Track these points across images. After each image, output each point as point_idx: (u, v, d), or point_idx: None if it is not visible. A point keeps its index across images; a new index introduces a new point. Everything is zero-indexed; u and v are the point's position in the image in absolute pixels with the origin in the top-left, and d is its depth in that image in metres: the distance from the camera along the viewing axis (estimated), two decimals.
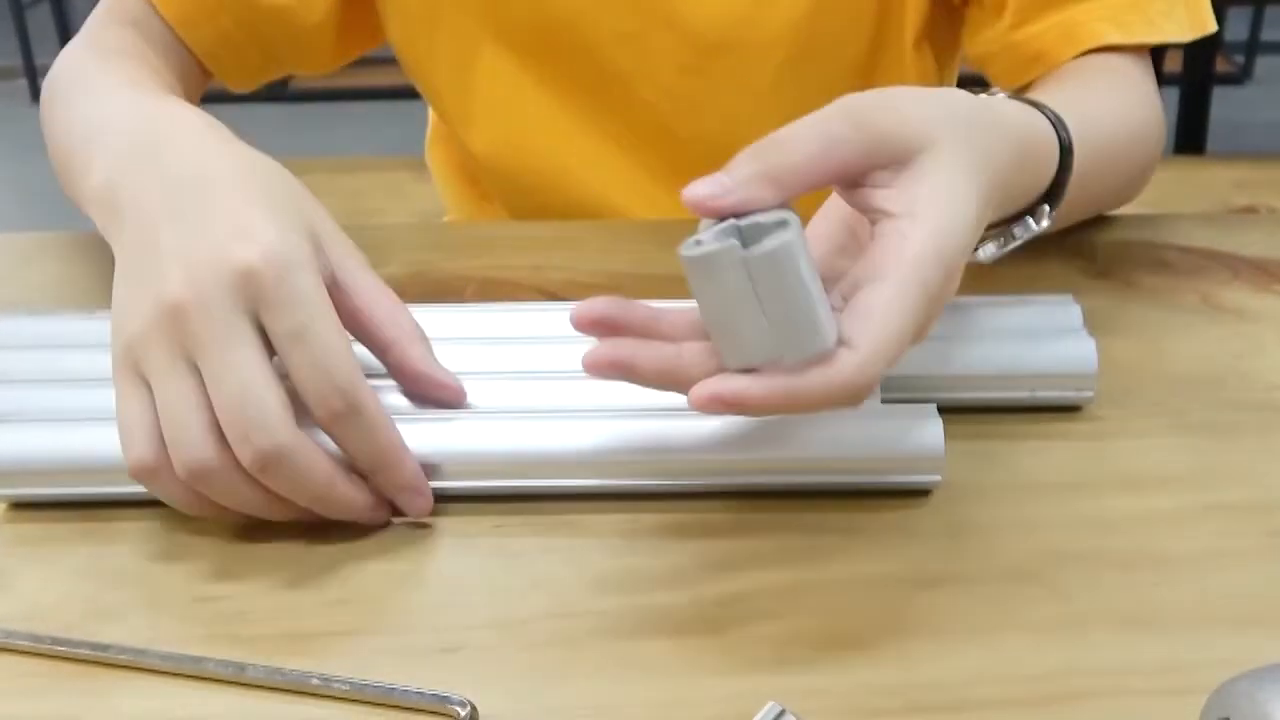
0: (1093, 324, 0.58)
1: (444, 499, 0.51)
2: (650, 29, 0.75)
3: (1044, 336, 0.57)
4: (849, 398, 0.43)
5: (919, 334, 0.45)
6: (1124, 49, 0.69)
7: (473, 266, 0.70)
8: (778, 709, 0.39)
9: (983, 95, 0.54)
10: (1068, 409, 0.56)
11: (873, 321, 0.43)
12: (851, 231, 0.50)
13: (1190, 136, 2.41)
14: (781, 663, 0.43)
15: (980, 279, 0.58)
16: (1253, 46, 3.39)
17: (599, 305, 0.46)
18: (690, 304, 0.45)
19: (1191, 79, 2.42)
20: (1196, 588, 0.46)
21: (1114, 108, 0.67)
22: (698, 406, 0.43)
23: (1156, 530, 0.49)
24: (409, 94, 0.85)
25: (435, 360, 0.52)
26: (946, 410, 0.55)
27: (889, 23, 0.77)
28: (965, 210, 0.46)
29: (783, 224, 0.43)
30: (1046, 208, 0.56)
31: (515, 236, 0.75)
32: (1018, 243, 0.56)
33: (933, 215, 0.45)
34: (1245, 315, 0.64)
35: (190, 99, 0.70)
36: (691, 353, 0.45)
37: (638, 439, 0.50)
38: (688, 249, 0.43)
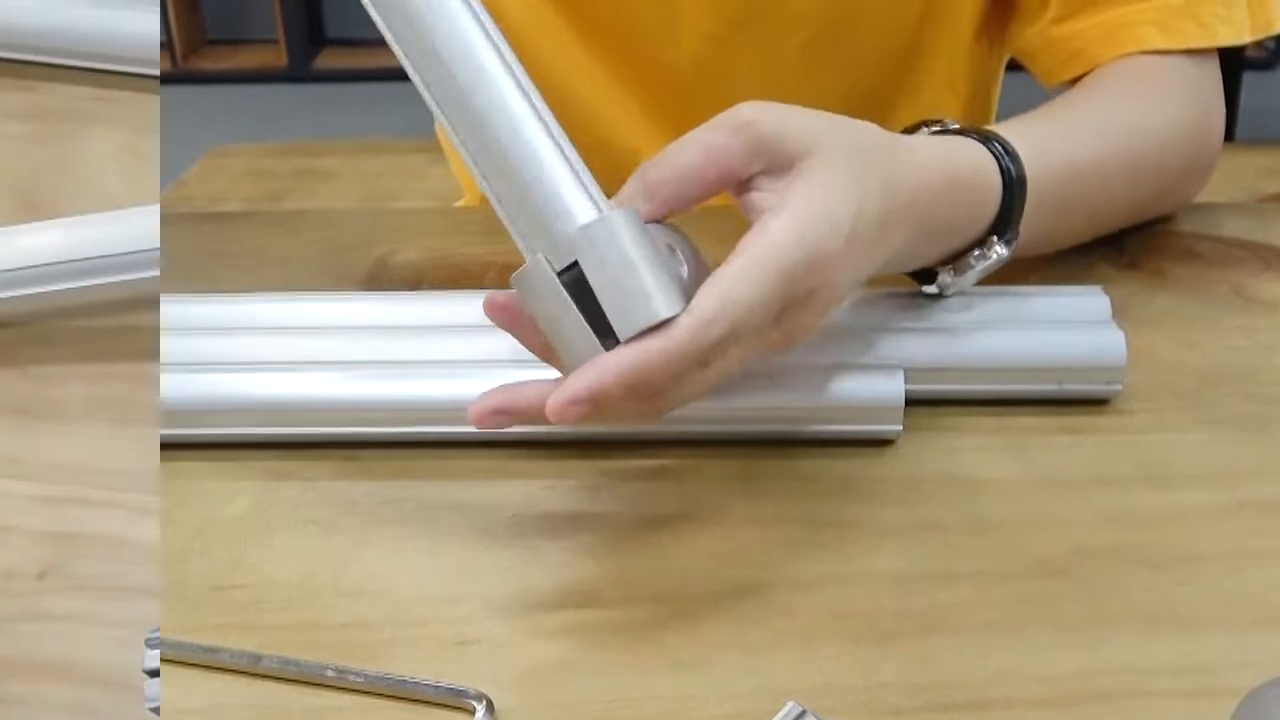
0: (1122, 315, 0.57)
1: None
2: None
3: (1072, 328, 0.56)
4: (690, 361, 0.43)
5: (788, 326, 0.46)
6: (1175, 50, 0.68)
7: (494, 252, 0.70)
8: (798, 709, 0.38)
9: (900, 135, 0.54)
10: (1096, 402, 0.55)
11: (717, 287, 0.44)
12: None
13: None
14: (801, 659, 0.43)
15: (1007, 271, 0.57)
16: None
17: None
18: None
19: (1220, 64, 2.39)
20: (1225, 587, 0.45)
21: (1130, 119, 0.65)
22: (560, 419, 0.43)
23: (1185, 527, 0.48)
24: None
25: None
26: (973, 403, 0.55)
27: (938, 11, 0.76)
28: (839, 205, 0.46)
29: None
30: (995, 238, 0.56)
31: None
32: (976, 270, 0.56)
33: (798, 205, 0.46)
34: (1277, 307, 0.63)
35: None
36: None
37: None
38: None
